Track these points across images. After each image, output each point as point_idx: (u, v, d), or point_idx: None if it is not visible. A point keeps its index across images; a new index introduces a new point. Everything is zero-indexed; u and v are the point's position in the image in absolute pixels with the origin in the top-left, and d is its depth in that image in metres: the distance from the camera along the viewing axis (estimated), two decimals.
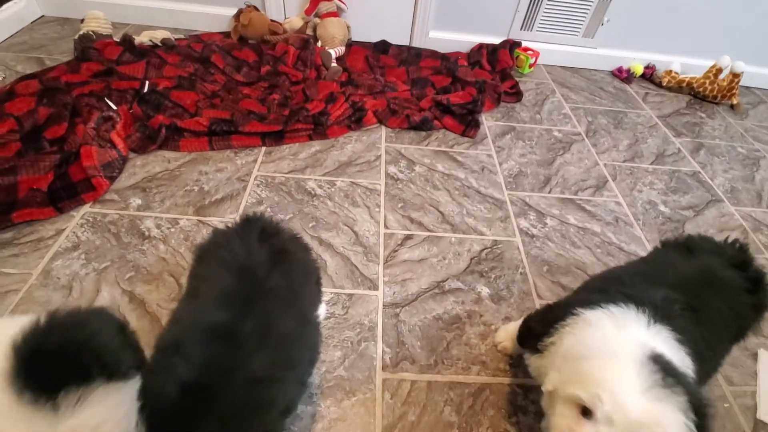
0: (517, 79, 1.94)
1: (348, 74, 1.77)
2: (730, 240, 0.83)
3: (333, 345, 0.94)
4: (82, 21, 1.78)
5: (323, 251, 1.13)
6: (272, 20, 1.91)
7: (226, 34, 1.93)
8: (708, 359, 0.67)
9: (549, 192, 1.41)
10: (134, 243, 1.09)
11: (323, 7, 1.86)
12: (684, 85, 2.05)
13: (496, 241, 1.22)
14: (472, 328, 1.01)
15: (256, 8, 1.89)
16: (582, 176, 1.50)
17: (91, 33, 1.73)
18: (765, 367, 0.99)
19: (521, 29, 2.03)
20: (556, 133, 1.69)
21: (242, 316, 0.57)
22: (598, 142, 1.68)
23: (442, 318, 1.02)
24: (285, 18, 1.97)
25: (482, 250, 1.19)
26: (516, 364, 0.95)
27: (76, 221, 1.12)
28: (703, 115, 1.95)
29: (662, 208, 1.42)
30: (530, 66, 2.01)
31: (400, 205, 1.28)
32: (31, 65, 1.63)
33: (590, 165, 1.55)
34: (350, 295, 1.04)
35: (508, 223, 1.28)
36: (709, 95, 2.00)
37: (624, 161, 1.60)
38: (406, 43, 2.04)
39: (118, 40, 1.72)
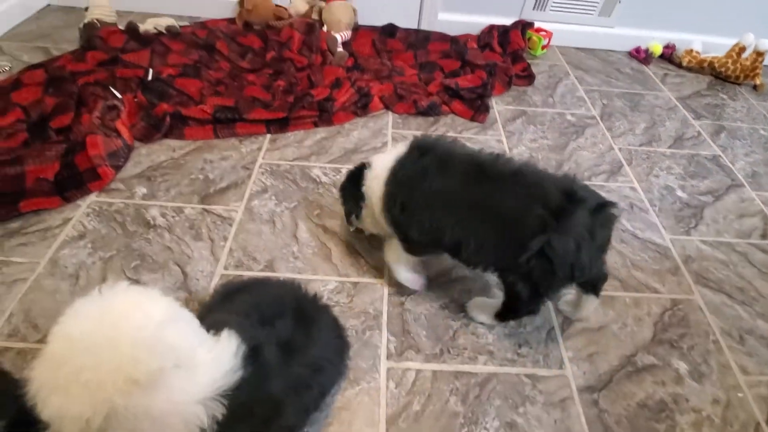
0: (529, 61, 1.87)
1: (354, 59, 1.73)
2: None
3: None
4: (86, 9, 1.77)
5: (328, 239, 1.12)
6: (277, 5, 1.87)
7: (231, 21, 1.90)
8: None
9: None
10: (140, 232, 1.09)
11: None
12: (705, 65, 1.96)
13: None
14: None
15: None
16: (596, 161, 1.45)
17: (95, 21, 1.72)
18: None
19: (534, 9, 1.95)
20: (569, 117, 1.63)
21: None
22: (614, 125, 1.62)
23: (449, 307, 1.00)
24: (290, 2, 1.93)
25: None
26: (525, 354, 0.93)
27: (82, 210, 1.12)
28: (724, 96, 1.87)
29: (680, 193, 1.36)
30: (543, 47, 1.95)
31: None
32: (38, 55, 1.63)
33: (605, 149, 1.50)
34: (355, 284, 1.03)
35: None
36: (732, 75, 1.91)
37: (640, 145, 1.54)
38: (414, 26, 1.98)
39: (122, 28, 1.71)
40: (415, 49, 1.82)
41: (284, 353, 0.64)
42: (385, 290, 1.02)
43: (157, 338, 0.50)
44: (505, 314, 0.93)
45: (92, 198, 1.15)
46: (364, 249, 1.10)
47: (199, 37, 1.71)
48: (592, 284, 0.91)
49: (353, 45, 1.82)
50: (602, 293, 0.95)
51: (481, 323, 0.97)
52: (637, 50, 2.04)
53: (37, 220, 1.09)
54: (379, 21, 1.94)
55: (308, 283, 1.01)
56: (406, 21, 1.96)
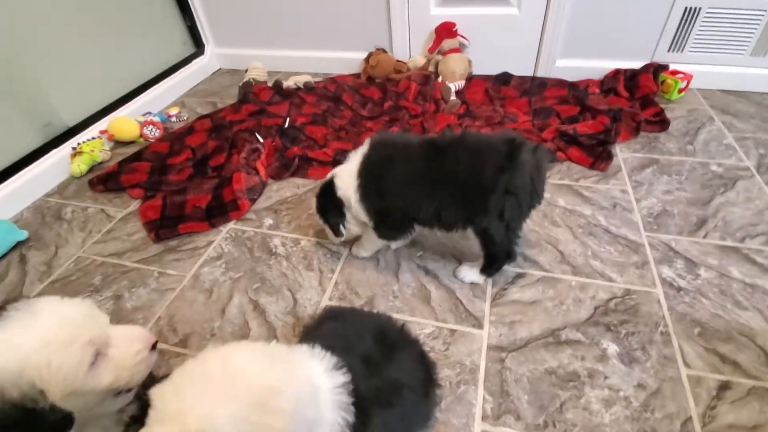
0: (663, 105, 1.69)
1: (466, 106, 1.78)
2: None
3: None
4: (246, 71, 2.17)
5: (428, 282, 1.12)
6: (398, 60, 2.04)
7: (357, 75, 2.13)
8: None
9: (704, 237, 1.17)
10: (263, 258, 1.23)
11: (446, 44, 1.92)
12: None
13: (628, 290, 1.05)
14: (593, 391, 0.87)
15: (384, 50, 2.04)
16: (751, 220, 1.21)
17: (251, 80, 2.09)
18: None
19: (669, 51, 1.79)
20: (714, 168, 1.41)
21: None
22: None
23: (556, 372, 0.91)
24: (410, 57, 2.09)
25: (610, 299, 1.04)
26: None
27: (222, 235, 1.31)
28: None
29: None
30: (680, 91, 1.75)
31: None
32: (208, 107, 2.03)
33: (763, 206, 1.25)
34: (452, 331, 1.00)
35: (647, 270, 1.10)
36: None
37: None
38: (529, 73, 1.97)
39: (270, 85, 2.03)
40: (530, 96, 1.79)
41: (364, 365, 0.64)
42: (485, 343, 0.97)
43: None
44: (488, 265, 1.05)
45: (231, 225, 1.35)
46: (465, 296, 1.07)
47: (329, 91, 1.94)
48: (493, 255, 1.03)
49: (466, 93, 1.87)
50: None
51: (471, 282, 1.10)
52: None
53: (188, 241, 1.31)
54: (494, 70, 1.97)
55: (405, 324, 1.02)
56: (521, 69, 1.95)
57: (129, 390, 0.60)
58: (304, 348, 0.61)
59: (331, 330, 0.75)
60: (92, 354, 0.52)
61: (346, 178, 1.03)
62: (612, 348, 0.94)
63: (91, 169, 1.63)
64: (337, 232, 1.11)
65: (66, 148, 1.64)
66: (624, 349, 0.93)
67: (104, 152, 1.67)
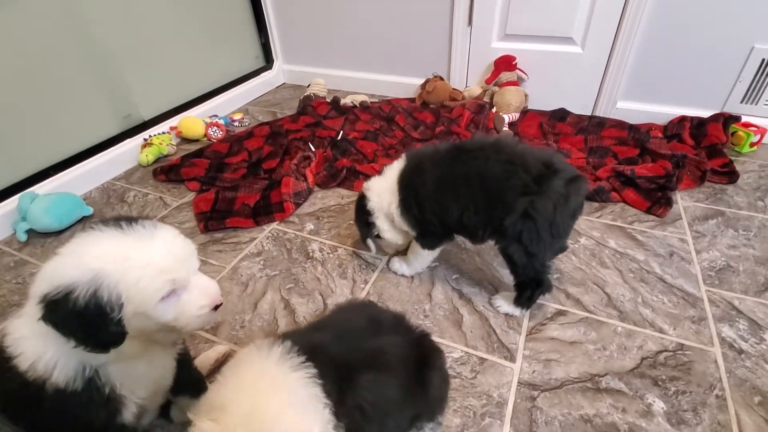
0: (732, 158, 1.59)
1: (518, 138, 1.76)
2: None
3: (453, 409, 0.86)
4: (308, 86, 2.28)
5: (462, 305, 1.08)
6: (454, 88, 2.07)
7: (412, 100, 2.18)
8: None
9: None
10: (300, 260, 1.25)
11: (504, 76, 1.93)
12: None
13: (682, 345, 0.96)
14: None
15: (441, 78, 2.09)
16: None
17: (312, 95, 2.19)
18: None
19: (742, 102, 1.69)
20: None
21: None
22: None
23: (592, 421, 0.83)
24: (466, 87, 2.11)
25: (660, 351, 0.95)
26: None
27: (264, 234, 1.35)
28: None
29: None
30: (752, 145, 1.64)
31: (555, 276, 1.15)
32: (268, 116, 2.14)
33: None
34: (482, 360, 0.95)
35: (704, 326, 1.00)
36: None
37: None
38: (587, 113, 1.92)
39: (329, 101, 2.12)
40: (586, 134, 1.74)
41: (338, 338, 0.66)
42: (516, 377, 0.92)
43: None
44: (519, 294, 1.01)
45: (274, 225, 1.39)
46: (499, 326, 1.03)
47: (384, 111, 1.99)
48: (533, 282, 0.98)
49: (519, 126, 1.85)
50: None
51: (506, 314, 1.05)
52: None
53: (233, 235, 1.36)
54: (551, 106, 1.95)
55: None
56: (579, 107, 1.92)
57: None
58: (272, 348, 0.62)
59: (330, 319, 0.78)
60: (169, 291, 0.58)
61: (382, 191, 1.05)
62: (658, 404, 0.85)
63: (156, 160, 1.76)
64: (364, 243, 1.15)
65: (138, 139, 1.78)
66: (672, 408, 0.85)
67: (171, 146, 1.80)
